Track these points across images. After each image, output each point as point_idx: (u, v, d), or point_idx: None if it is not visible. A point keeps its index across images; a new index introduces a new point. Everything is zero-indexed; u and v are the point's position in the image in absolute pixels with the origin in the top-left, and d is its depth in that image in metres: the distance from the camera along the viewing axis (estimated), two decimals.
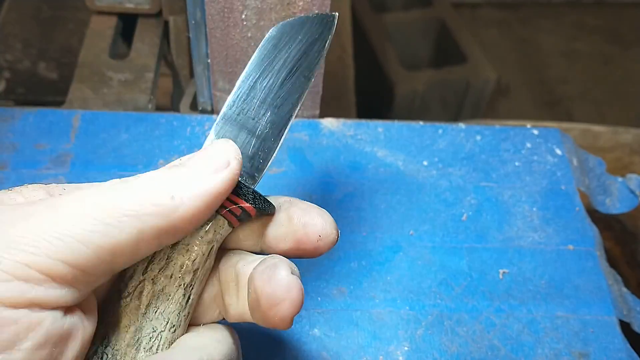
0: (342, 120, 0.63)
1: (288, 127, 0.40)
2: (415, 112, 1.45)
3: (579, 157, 0.63)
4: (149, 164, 0.58)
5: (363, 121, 0.63)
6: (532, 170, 0.61)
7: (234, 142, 0.38)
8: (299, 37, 0.42)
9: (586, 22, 1.96)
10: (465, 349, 0.50)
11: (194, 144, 0.60)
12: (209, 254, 0.37)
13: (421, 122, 0.63)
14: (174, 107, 0.79)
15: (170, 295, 0.36)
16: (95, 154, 0.58)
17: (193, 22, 0.56)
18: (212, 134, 0.39)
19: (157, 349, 0.35)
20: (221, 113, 0.40)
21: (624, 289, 0.55)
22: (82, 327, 0.32)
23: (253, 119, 0.40)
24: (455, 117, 1.52)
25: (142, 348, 0.35)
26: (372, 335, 0.50)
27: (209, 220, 0.36)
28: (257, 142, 0.39)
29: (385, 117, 1.44)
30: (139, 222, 0.32)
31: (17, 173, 0.56)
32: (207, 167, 0.34)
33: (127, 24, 0.76)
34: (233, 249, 0.40)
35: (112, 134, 0.60)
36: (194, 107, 0.66)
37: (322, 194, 0.58)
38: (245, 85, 0.40)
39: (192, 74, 0.65)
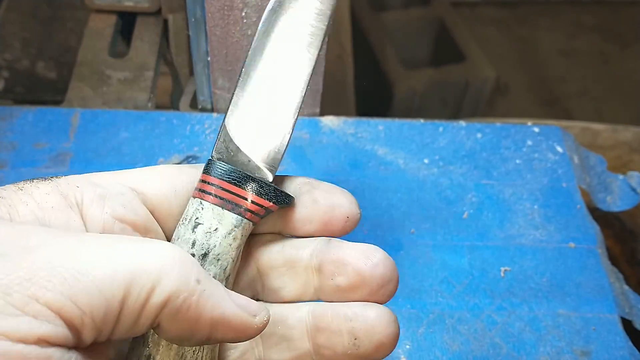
0: (342, 119, 0.63)
1: (298, 110, 0.38)
2: (414, 111, 1.44)
3: (580, 155, 0.63)
4: (149, 163, 0.57)
5: (364, 119, 0.63)
6: (533, 168, 0.61)
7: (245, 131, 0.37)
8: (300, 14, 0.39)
9: (585, 20, 1.96)
10: (467, 347, 0.49)
11: (194, 142, 0.60)
12: (238, 257, 0.36)
13: (422, 120, 0.63)
14: (173, 105, 0.79)
15: None
16: (94, 152, 0.58)
17: (193, 20, 0.56)
18: (222, 124, 0.38)
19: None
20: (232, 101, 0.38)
21: (626, 287, 0.55)
22: None
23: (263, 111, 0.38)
24: (454, 116, 1.52)
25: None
26: None
27: (237, 226, 0.35)
28: (269, 134, 0.38)
29: (384, 116, 1.44)
30: (157, 284, 0.30)
31: (17, 172, 0.56)
32: (238, 297, 0.33)
33: (127, 22, 0.76)
34: (259, 234, 0.39)
35: (112, 133, 0.60)
36: (193, 105, 0.66)
37: None
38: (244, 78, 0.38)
39: (191, 72, 0.65)
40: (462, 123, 0.63)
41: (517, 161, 0.61)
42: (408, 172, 0.59)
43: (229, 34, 0.56)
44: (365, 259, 0.36)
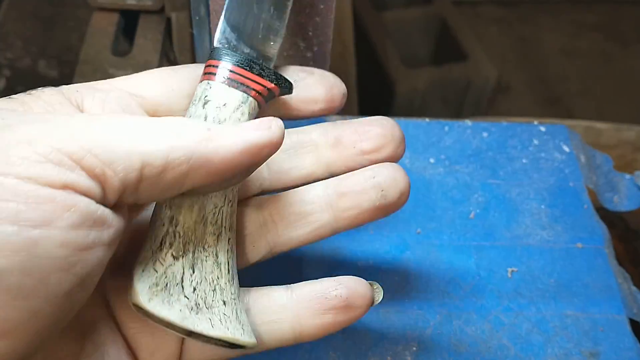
0: (347, 118, 0.62)
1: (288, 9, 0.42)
2: (415, 110, 1.44)
3: (587, 154, 0.62)
4: None
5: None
6: (539, 167, 0.60)
7: (243, 25, 0.40)
8: None
9: (586, 19, 1.95)
10: (474, 348, 0.49)
11: None
12: None
13: (427, 119, 0.63)
14: None
15: None
16: None
17: (197, 18, 0.56)
18: (221, 19, 0.41)
19: (221, 223, 0.37)
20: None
21: (634, 287, 0.55)
22: (115, 219, 0.32)
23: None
24: (455, 115, 1.52)
25: (208, 222, 0.37)
26: (380, 335, 0.49)
27: (243, 102, 0.38)
28: (263, 23, 0.41)
29: (385, 115, 1.43)
30: (172, 139, 0.32)
31: None
32: (247, 124, 0.35)
33: (129, 20, 0.76)
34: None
35: None
36: None
37: None
38: None
39: None
40: (468, 122, 0.63)
41: (524, 160, 0.60)
42: (414, 171, 0.59)
43: None
44: (384, 122, 0.43)
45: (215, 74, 0.38)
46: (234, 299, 0.37)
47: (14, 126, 0.29)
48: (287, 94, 0.41)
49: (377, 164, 0.41)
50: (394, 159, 0.42)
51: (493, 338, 0.50)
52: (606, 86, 1.79)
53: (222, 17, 0.40)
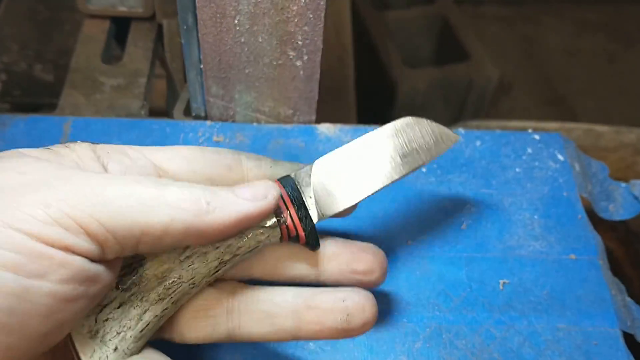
0: (339, 126, 0.62)
1: (370, 193, 0.44)
2: (417, 111, 1.43)
3: (581, 162, 0.62)
4: None
5: (361, 127, 0.62)
6: (533, 176, 0.59)
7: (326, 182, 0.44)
8: (424, 136, 0.46)
9: (589, 19, 1.94)
10: None
11: None
12: (251, 251, 0.41)
13: None
14: (168, 108, 0.78)
15: (207, 260, 0.40)
16: None
17: (185, 27, 0.55)
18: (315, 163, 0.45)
19: (173, 293, 0.40)
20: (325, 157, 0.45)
21: (628, 299, 0.54)
22: (105, 275, 0.36)
23: (349, 172, 0.45)
24: (457, 115, 1.51)
25: (163, 285, 0.40)
26: (369, 348, 0.49)
27: (270, 227, 0.41)
28: (342, 191, 0.44)
29: (387, 115, 1.43)
30: (173, 212, 0.36)
31: None
32: (245, 193, 0.39)
33: (121, 27, 0.75)
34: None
35: (104, 141, 0.57)
36: (187, 112, 0.65)
37: None
38: (353, 145, 0.46)
39: (186, 79, 0.64)
40: (461, 130, 0.62)
41: (517, 169, 0.60)
42: (405, 181, 0.58)
43: (222, 41, 0.55)
44: (375, 250, 0.45)
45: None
46: (124, 353, 0.39)
47: (36, 185, 0.34)
48: (311, 249, 0.44)
49: (350, 289, 0.43)
50: (376, 285, 0.45)
51: (484, 352, 0.49)
52: (609, 86, 1.78)
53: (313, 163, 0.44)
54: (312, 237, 0.42)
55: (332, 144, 0.60)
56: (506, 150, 0.61)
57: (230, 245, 0.40)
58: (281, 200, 0.41)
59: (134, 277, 0.39)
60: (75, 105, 0.65)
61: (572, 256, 0.54)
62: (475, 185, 0.58)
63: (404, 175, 0.45)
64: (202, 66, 0.57)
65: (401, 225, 0.55)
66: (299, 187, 0.43)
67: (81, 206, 0.34)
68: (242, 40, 0.54)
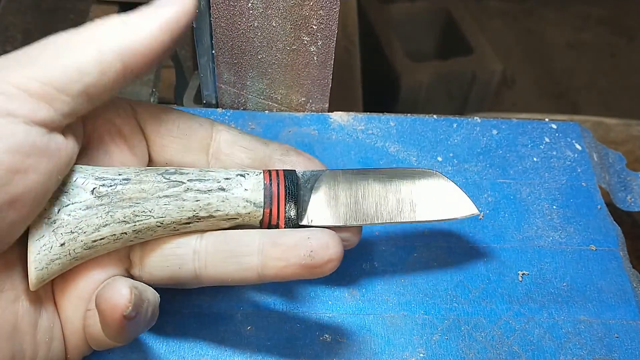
0: (352, 114, 0.61)
1: (363, 224, 0.44)
2: (420, 104, 1.42)
3: (599, 152, 0.60)
4: None
5: (374, 115, 0.61)
6: (551, 166, 0.58)
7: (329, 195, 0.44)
8: (443, 197, 0.45)
9: (592, 13, 1.93)
10: (484, 355, 0.47)
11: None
12: (229, 220, 0.42)
13: (434, 116, 0.61)
14: (177, 99, 0.76)
15: (183, 208, 0.41)
16: None
17: (197, 11, 0.54)
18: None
19: (138, 222, 0.40)
20: (342, 171, 0.45)
21: None
22: (62, 147, 0.37)
23: (356, 199, 0.44)
24: (460, 109, 1.50)
25: (132, 210, 0.40)
26: (386, 340, 0.48)
27: (254, 202, 0.42)
28: (338, 211, 0.44)
29: (390, 108, 1.42)
30: (97, 44, 0.36)
31: None
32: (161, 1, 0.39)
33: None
34: None
35: None
36: (197, 100, 0.64)
37: None
38: (371, 173, 0.45)
39: (195, 66, 0.62)
40: (477, 119, 0.61)
41: (535, 159, 0.58)
42: None
43: (235, 25, 0.53)
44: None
45: (270, 179, 0.42)
46: (69, 253, 0.39)
47: None
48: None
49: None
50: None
51: (503, 344, 0.48)
52: (612, 80, 1.77)
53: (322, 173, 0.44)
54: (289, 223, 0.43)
55: (345, 133, 0.59)
56: (523, 139, 0.60)
57: (210, 204, 0.41)
58: (275, 189, 0.42)
59: (109, 189, 0.39)
60: None
61: (592, 247, 0.53)
62: (492, 175, 0.57)
63: (405, 223, 0.44)
64: (213, 52, 0.56)
65: None
66: (300, 184, 0.43)
67: (20, 71, 0.34)
68: (256, 24, 0.53)
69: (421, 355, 0.47)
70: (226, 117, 0.59)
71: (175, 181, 0.41)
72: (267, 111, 0.61)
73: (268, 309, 0.48)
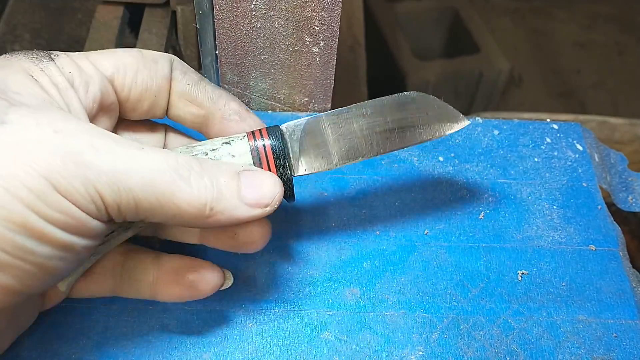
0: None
1: (359, 160, 0.45)
2: None
3: (600, 153, 0.61)
4: None
5: None
6: (552, 166, 0.58)
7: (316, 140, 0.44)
8: (427, 113, 0.45)
9: (600, 11, 1.93)
10: (482, 353, 0.48)
11: (202, 137, 0.58)
12: None
13: None
14: None
15: None
16: None
17: (200, 12, 0.54)
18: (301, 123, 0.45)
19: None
20: (324, 114, 0.45)
21: None
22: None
23: (342, 134, 0.45)
24: (467, 108, 1.50)
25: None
26: (386, 338, 0.48)
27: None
28: (329, 151, 0.44)
29: None
30: (178, 212, 0.38)
31: None
32: (250, 196, 0.40)
33: (134, 14, 0.74)
34: None
35: None
36: None
37: (334, 190, 0.56)
38: (354, 109, 0.45)
39: (199, 67, 0.63)
40: (479, 119, 0.61)
41: (536, 159, 0.59)
42: (422, 170, 0.58)
43: (238, 26, 0.54)
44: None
45: (255, 140, 0.43)
46: None
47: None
48: (287, 201, 0.45)
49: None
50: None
51: (502, 343, 0.48)
52: (620, 79, 1.77)
53: (309, 118, 0.45)
54: (287, 188, 0.44)
55: None
56: (524, 140, 0.60)
57: None
58: (262, 148, 0.43)
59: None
60: None
61: (592, 247, 0.54)
62: (493, 175, 0.58)
63: (398, 149, 0.45)
64: (217, 52, 0.57)
65: (418, 215, 0.55)
66: (285, 138, 0.44)
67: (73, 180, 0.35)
68: (258, 25, 0.54)
69: (420, 353, 0.48)
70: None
71: None
72: (270, 111, 0.61)
73: (269, 307, 0.49)
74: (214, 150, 0.42)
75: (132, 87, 0.43)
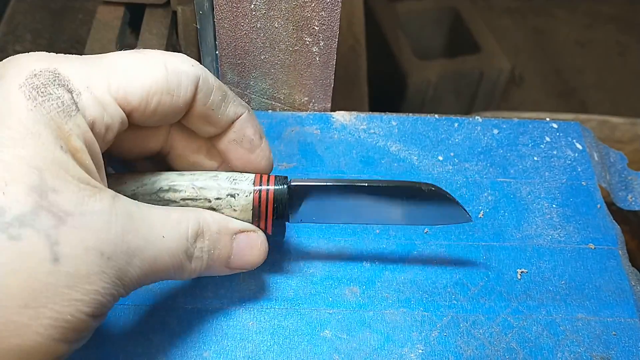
0: (354, 114, 0.61)
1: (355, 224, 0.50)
2: (428, 102, 1.43)
3: (600, 152, 0.61)
4: None
5: (376, 114, 0.61)
6: (551, 165, 0.59)
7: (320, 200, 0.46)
8: (433, 208, 0.47)
9: (601, 11, 1.92)
10: (482, 352, 0.48)
11: None
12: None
13: (436, 116, 0.62)
14: None
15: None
16: None
17: (200, 12, 0.55)
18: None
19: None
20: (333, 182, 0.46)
21: None
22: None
23: (346, 202, 0.47)
24: (468, 108, 1.50)
25: None
26: (385, 337, 0.48)
27: (245, 205, 0.44)
28: (329, 212, 0.47)
29: (397, 107, 1.42)
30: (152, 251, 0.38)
31: None
32: (237, 267, 0.45)
33: (135, 14, 0.75)
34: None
35: None
36: None
37: None
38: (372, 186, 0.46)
39: None
40: (478, 119, 0.62)
41: (535, 158, 0.59)
42: (422, 169, 0.58)
43: (238, 26, 0.54)
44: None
45: (260, 200, 0.44)
46: None
47: None
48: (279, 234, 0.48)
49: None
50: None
51: (501, 341, 0.48)
52: (621, 78, 1.77)
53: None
54: (279, 235, 0.47)
55: (347, 132, 0.60)
56: (524, 139, 0.60)
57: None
58: (264, 209, 0.44)
59: None
60: None
61: (591, 246, 0.54)
62: (492, 174, 0.58)
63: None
64: (217, 52, 0.57)
65: None
66: (290, 191, 0.45)
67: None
68: (258, 25, 0.54)
69: (420, 351, 0.48)
70: None
71: (169, 200, 0.43)
72: (270, 111, 0.61)
73: (269, 305, 0.49)
74: (218, 199, 0.44)
75: (150, 117, 0.41)
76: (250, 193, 0.44)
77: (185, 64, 0.41)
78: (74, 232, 0.34)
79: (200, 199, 0.43)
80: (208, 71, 0.43)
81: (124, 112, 0.39)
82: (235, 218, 0.44)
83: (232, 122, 0.45)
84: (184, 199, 0.43)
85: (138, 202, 0.39)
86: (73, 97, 0.36)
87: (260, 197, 0.44)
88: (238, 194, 0.44)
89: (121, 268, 0.36)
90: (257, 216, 0.44)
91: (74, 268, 0.33)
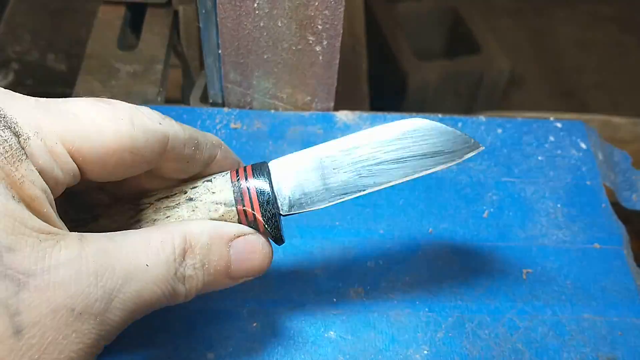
0: (357, 113, 0.61)
1: (352, 196, 0.41)
2: (428, 103, 1.42)
3: (604, 151, 0.61)
4: None
5: (379, 114, 0.61)
6: (555, 164, 0.58)
7: (304, 176, 0.41)
8: (427, 141, 0.41)
9: (601, 11, 1.92)
10: (487, 352, 0.48)
11: None
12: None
13: (440, 115, 0.61)
14: (184, 99, 0.77)
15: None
16: None
17: (203, 11, 0.54)
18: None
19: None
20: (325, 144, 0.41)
21: None
22: None
23: (334, 169, 0.41)
24: (468, 108, 1.50)
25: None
26: (390, 338, 0.48)
27: (228, 207, 0.40)
28: (319, 188, 0.41)
29: (398, 107, 1.42)
30: (139, 283, 0.34)
31: None
32: (239, 275, 0.40)
33: (136, 14, 0.74)
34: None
35: None
36: (204, 99, 0.64)
37: None
38: (354, 139, 0.41)
39: (202, 66, 0.63)
40: (482, 118, 0.61)
41: (539, 158, 0.59)
42: None
43: (241, 25, 0.54)
44: None
45: (238, 177, 0.40)
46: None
47: None
48: (274, 241, 0.42)
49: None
50: None
51: (507, 342, 0.48)
52: (621, 78, 1.76)
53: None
54: (272, 228, 0.40)
55: (351, 131, 0.59)
56: (528, 138, 0.60)
57: (181, 217, 0.40)
58: (244, 184, 0.40)
59: (83, 229, 0.39)
60: (91, 91, 0.64)
61: (597, 245, 0.53)
62: (497, 174, 0.57)
63: (399, 182, 0.41)
64: (220, 51, 0.57)
65: (422, 214, 0.55)
66: (270, 177, 0.40)
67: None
68: (262, 24, 0.53)
69: (425, 352, 0.47)
70: (232, 116, 0.60)
71: (144, 203, 0.40)
72: (273, 110, 0.61)
73: (274, 306, 0.49)
74: (194, 188, 0.40)
75: (108, 175, 0.37)
76: (227, 173, 0.41)
77: (154, 122, 0.37)
78: (37, 295, 0.30)
79: (175, 194, 0.40)
80: (177, 125, 0.39)
81: (78, 166, 0.34)
82: (217, 203, 0.39)
83: (208, 164, 0.42)
84: (158, 199, 0.40)
85: (111, 233, 0.35)
86: (20, 142, 0.32)
87: (238, 173, 0.40)
88: (215, 177, 0.41)
89: (98, 318, 0.32)
90: (239, 194, 0.39)
91: (39, 338, 0.30)
